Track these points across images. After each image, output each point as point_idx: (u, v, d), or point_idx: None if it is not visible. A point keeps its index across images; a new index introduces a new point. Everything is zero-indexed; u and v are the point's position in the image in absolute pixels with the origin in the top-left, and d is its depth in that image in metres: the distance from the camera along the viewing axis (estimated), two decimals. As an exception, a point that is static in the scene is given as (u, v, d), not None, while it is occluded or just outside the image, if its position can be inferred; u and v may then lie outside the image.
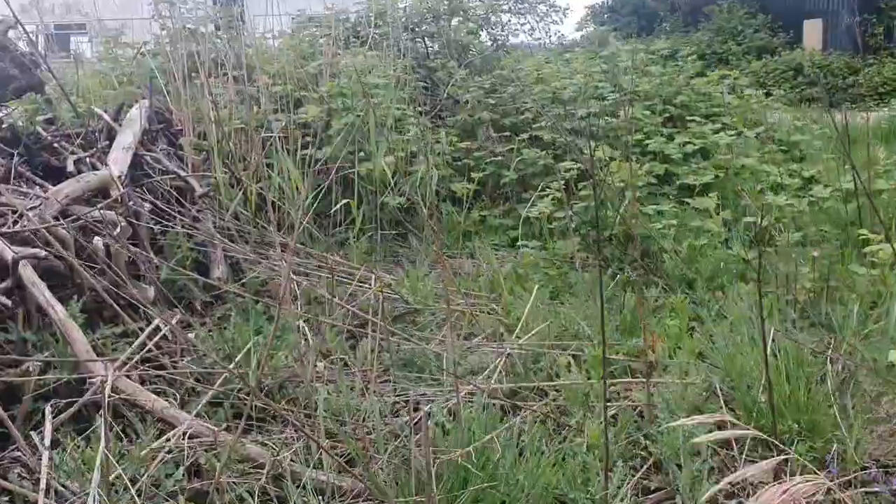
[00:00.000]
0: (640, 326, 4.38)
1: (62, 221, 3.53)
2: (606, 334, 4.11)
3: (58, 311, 3.08)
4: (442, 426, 3.01)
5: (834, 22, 23.74)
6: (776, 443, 2.62)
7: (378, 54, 6.80)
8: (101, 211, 3.71)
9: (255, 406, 3.10)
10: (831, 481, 2.24)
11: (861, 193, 5.05)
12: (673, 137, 6.81)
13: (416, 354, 3.79)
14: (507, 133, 7.16)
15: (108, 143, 4.72)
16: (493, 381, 3.45)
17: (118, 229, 3.55)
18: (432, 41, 9.45)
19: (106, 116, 4.88)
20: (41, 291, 3.15)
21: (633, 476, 2.94)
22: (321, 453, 2.73)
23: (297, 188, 4.88)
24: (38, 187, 4.18)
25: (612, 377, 3.74)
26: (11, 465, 2.78)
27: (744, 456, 3.13)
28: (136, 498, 2.52)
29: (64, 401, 2.98)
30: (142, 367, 3.43)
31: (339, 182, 5.28)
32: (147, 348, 3.29)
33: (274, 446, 2.92)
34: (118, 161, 4.40)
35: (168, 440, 2.95)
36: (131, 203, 4.02)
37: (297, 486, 2.61)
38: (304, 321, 4.00)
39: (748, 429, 3.18)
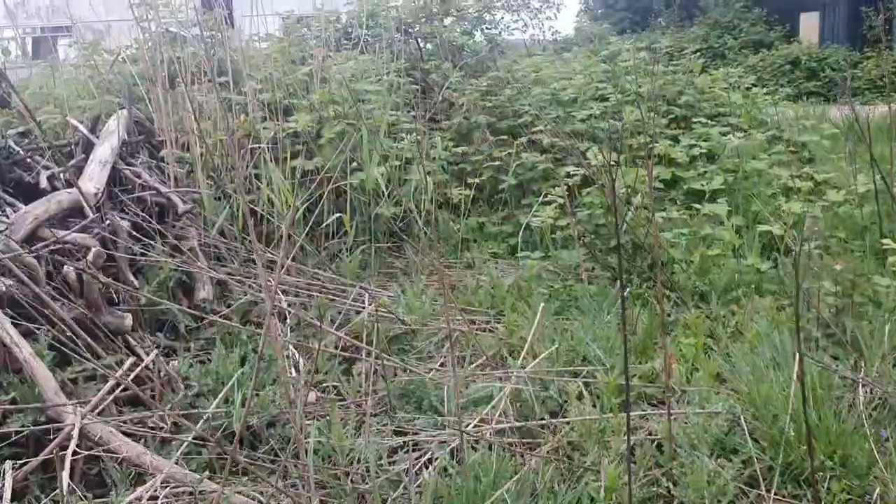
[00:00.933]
0: (652, 346, 4.15)
1: (24, 250, 3.25)
2: (616, 356, 3.90)
3: (23, 348, 2.81)
4: (445, 470, 2.76)
5: (831, 15, 23.53)
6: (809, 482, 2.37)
7: (370, 58, 6.52)
8: (74, 234, 3.43)
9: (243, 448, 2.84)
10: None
11: (881, 193, 4.81)
12: (678, 140, 6.56)
13: (414, 384, 3.52)
14: (505, 137, 6.90)
15: (84, 156, 4.45)
16: (498, 415, 3.19)
17: (91, 254, 3.27)
18: (426, 42, 9.18)
19: (82, 128, 4.60)
20: (4, 327, 2.88)
21: (656, 523, 2.69)
22: (312, 506, 2.47)
23: (286, 201, 4.61)
24: (8, 207, 3.90)
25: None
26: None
27: (772, 494, 2.89)
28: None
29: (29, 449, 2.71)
30: (118, 406, 3.17)
31: (332, 193, 5.01)
32: (122, 387, 3.02)
33: (262, 498, 2.65)
34: (94, 177, 4.12)
35: (145, 490, 2.69)
36: (107, 223, 3.75)
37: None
38: (294, 347, 3.74)
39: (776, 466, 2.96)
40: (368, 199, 4.88)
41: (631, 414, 3.42)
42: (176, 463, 2.75)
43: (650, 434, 3.25)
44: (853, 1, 21.85)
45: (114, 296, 3.74)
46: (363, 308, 4.18)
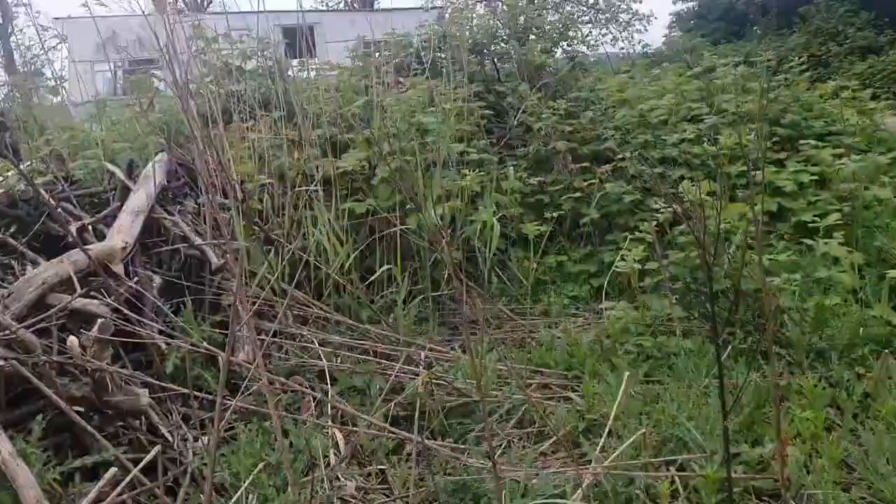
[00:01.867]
0: (761, 420, 3.46)
1: (26, 321, 2.86)
2: (717, 438, 3.24)
3: (2, 448, 2.40)
4: None
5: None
6: None
7: (436, 83, 6.03)
8: (83, 300, 3.03)
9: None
10: None
11: None
12: (784, 164, 5.79)
13: (470, 473, 2.96)
14: (587, 164, 6.28)
15: (119, 204, 4.09)
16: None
17: (95, 326, 2.86)
18: (502, 63, 8.66)
19: (120, 173, 4.26)
20: (-16, 419, 2.48)
21: None
22: None
23: (334, 248, 4.14)
24: (29, 265, 3.56)
25: (731, 507, 2.82)
26: None
27: None
28: None
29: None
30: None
31: (389, 237, 4.52)
32: (122, 487, 2.57)
33: None
34: (124, 229, 3.75)
35: None
36: (135, 280, 3.35)
37: None
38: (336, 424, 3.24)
39: None
40: (427, 243, 4.36)
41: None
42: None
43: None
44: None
45: (129, 365, 3.33)
46: (417, 373, 3.64)
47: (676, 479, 2.90)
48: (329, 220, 4.24)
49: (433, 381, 3.40)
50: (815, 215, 5.03)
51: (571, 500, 2.74)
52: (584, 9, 30.57)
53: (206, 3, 29.03)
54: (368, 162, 4.75)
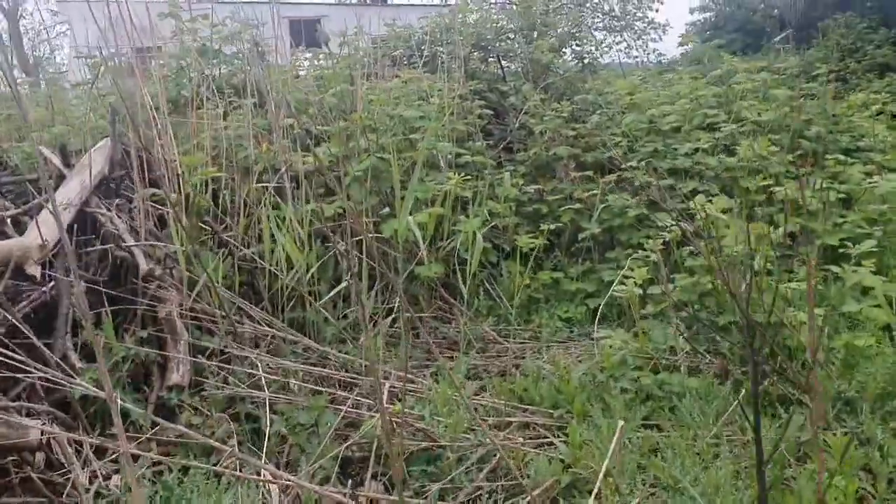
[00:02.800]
0: (780, 482, 2.91)
1: None
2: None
3: None
4: None
5: (971, 35, 21.17)
6: None
7: (431, 76, 5.52)
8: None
9: None
10: None
11: None
12: (807, 180, 5.25)
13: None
14: (591, 172, 5.75)
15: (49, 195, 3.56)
16: None
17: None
18: (508, 61, 8.13)
19: (56, 160, 3.74)
20: None
21: None
22: None
23: (297, 255, 3.60)
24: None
25: None
26: None
27: None
28: None
29: None
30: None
31: (359, 245, 4.00)
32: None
33: None
34: (47, 223, 3.22)
35: None
36: (51, 286, 2.83)
37: None
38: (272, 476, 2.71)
39: None
40: (402, 252, 3.81)
41: None
42: None
43: None
44: None
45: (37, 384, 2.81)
46: (379, 408, 3.11)
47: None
48: (291, 221, 3.71)
49: (395, 420, 2.86)
50: (842, 239, 4.50)
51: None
52: (600, 15, 30.05)
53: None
54: (344, 158, 4.23)
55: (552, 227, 5.22)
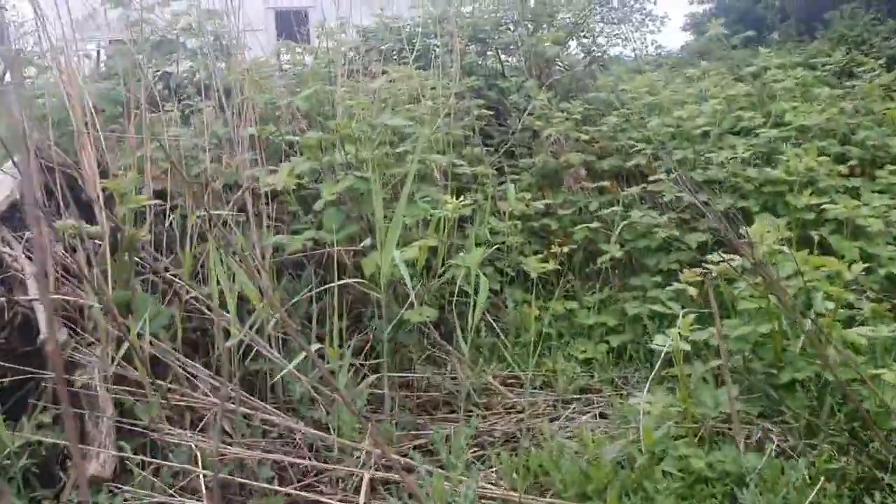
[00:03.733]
0: None
1: None
2: None
3: None
4: None
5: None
6: None
7: (422, 74, 4.77)
8: None
9: None
10: None
11: None
12: (858, 194, 4.54)
13: None
14: (607, 182, 5.02)
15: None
16: None
17: None
18: (507, 54, 7.36)
19: (-46, 181, 2.99)
20: None
21: None
22: None
23: (253, 298, 2.86)
24: None
25: None
26: None
27: None
28: None
29: None
30: None
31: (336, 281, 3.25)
32: None
33: None
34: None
35: None
36: None
37: None
38: None
39: None
40: (384, 294, 3.04)
41: None
42: None
43: None
44: None
45: None
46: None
47: None
48: (251, 253, 2.96)
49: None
50: (914, 270, 3.78)
51: None
52: (598, 6, 29.27)
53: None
54: (317, 174, 3.47)
55: (563, 249, 4.49)
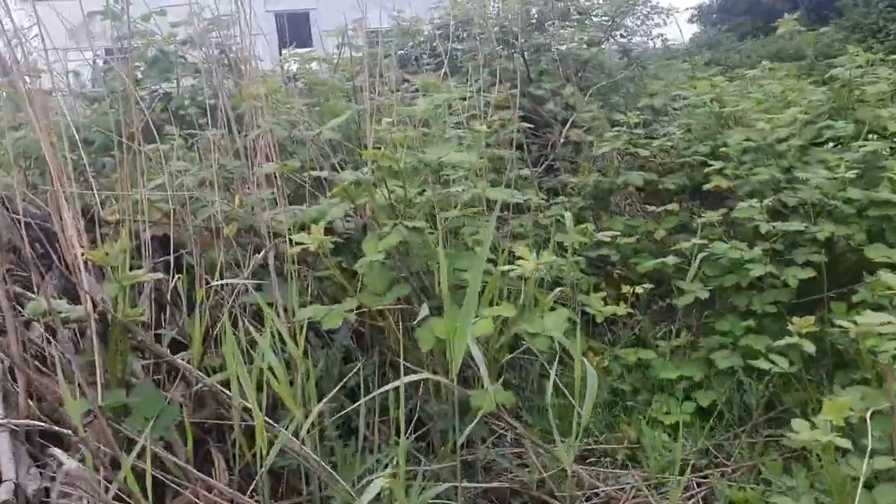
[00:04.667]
0: None
1: None
2: None
3: None
4: None
5: None
6: None
7: (453, 82, 4.14)
8: None
9: None
10: None
11: None
12: None
13: None
14: (672, 206, 4.36)
15: None
16: None
17: None
18: (539, 55, 6.70)
19: None
20: None
21: None
22: None
23: (285, 397, 2.21)
24: None
25: None
26: None
27: None
28: None
29: None
30: None
31: (383, 374, 2.61)
32: None
33: None
34: None
35: None
36: None
37: None
38: None
39: None
40: (453, 376, 2.37)
41: None
42: None
43: None
44: None
45: None
46: None
47: None
48: (274, 335, 2.31)
49: None
50: None
51: None
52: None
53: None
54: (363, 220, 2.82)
55: (637, 290, 3.84)
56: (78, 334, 2.41)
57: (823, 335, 3.39)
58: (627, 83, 6.22)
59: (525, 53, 6.50)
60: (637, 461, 3.25)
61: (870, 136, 4.12)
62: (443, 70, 4.81)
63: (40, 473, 1.89)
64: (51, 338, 2.33)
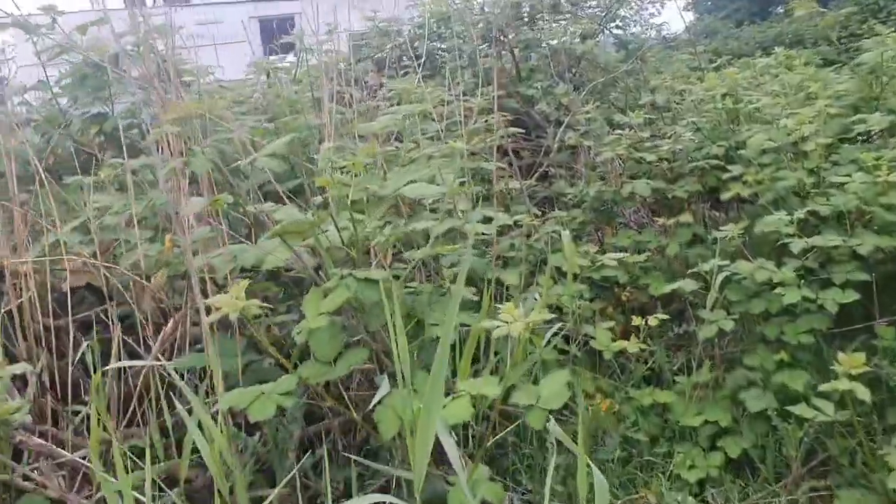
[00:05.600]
0: None
1: None
2: None
3: None
4: None
5: None
6: None
7: (433, 86, 3.62)
8: None
9: None
10: None
11: None
12: None
13: None
14: (684, 218, 3.83)
15: None
16: None
17: None
18: (525, 53, 6.18)
19: None
20: None
21: None
22: None
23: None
24: None
25: None
26: None
27: None
28: None
29: None
30: None
31: (341, 455, 2.09)
32: None
33: None
34: None
35: None
36: None
37: None
38: None
39: None
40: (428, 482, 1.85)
41: None
42: None
43: None
44: None
45: None
46: None
47: None
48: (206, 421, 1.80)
49: None
50: None
51: None
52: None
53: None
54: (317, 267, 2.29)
55: (649, 321, 3.31)
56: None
57: (871, 369, 2.86)
58: (626, 78, 5.69)
59: (514, 50, 5.98)
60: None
61: (907, 129, 3.59)
62: (419, 74, 4.30)
63: None
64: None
